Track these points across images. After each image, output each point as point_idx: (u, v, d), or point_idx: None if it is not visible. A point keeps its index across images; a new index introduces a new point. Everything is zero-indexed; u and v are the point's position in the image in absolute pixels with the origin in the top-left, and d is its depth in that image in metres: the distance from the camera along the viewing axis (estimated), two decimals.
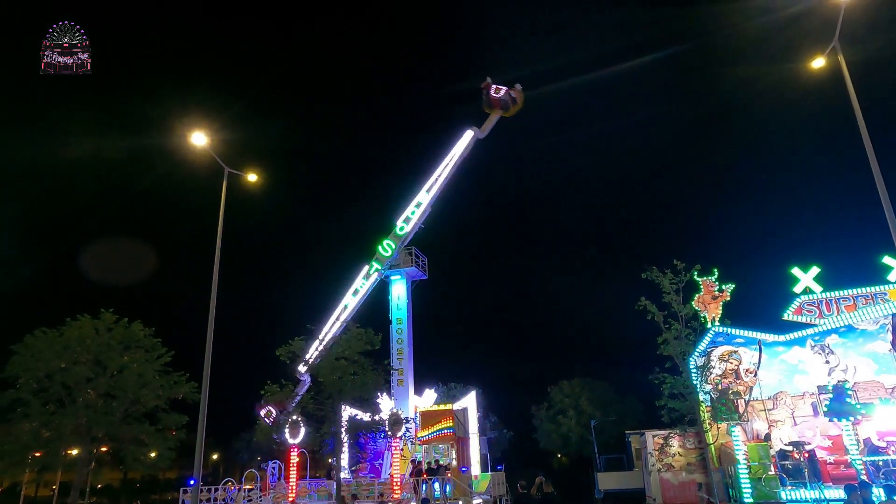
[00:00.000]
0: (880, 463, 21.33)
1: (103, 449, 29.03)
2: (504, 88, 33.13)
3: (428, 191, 33.81)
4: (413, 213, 33.73)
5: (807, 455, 22.34)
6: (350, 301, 32.89)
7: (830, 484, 21.22)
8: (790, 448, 22.80)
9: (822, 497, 20.75)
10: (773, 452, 23.55)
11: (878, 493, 17.00)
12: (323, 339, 27.32)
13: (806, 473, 21.59)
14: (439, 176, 33.90)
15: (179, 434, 27.63)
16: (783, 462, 22.59)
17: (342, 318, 31.73)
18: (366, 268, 33.70)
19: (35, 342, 25.12)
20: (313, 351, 26.80)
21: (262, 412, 26.35)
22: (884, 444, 22.41)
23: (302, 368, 27.00)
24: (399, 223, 33.84)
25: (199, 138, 19.36)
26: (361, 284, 33.33)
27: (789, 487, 21.89)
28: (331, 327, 31.06)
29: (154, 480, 58.78)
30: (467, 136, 33.93)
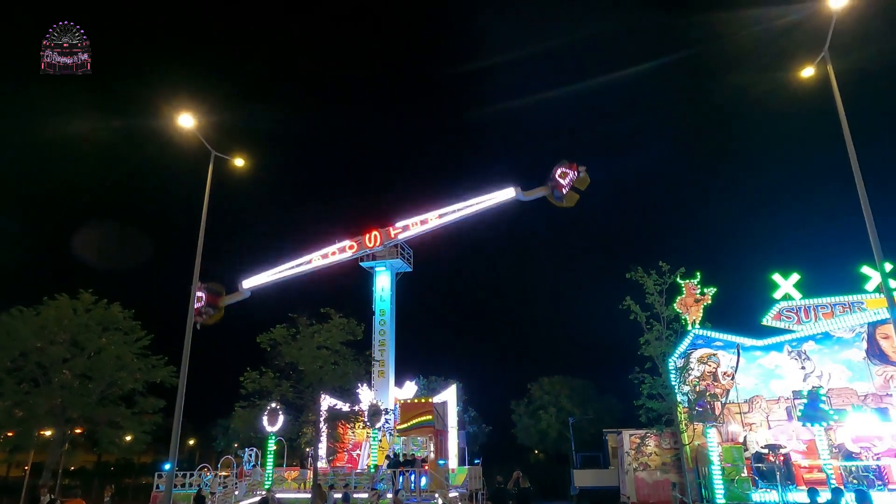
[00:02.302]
0: (853, 468, 21.75)
1: (78, 431, 28.75)
2: (568, 180, 30.43)
3: (441, 217, 32.66)
4: (415, 227, 33.08)
5: (782, 458, 22.70)
6: (317, 262, 33.40)
7: (804, 487, 21.58)
8: (766, 451, 23.15)
9: (785, 500, 21.09)
10: (748, 455, 23.89)
11: (848, 498, 17.34)
12: (277, 273, 28.73)
13: (778, 476, 21.93)
14: (460, 211, 32.43)
15: (156, 418, 27.42)
16: (758, 465, 22.93)
17: (302, 268, 33.13)
18: (346, 242, 33.74)
19: (11, 320, 24.73)
20: (267, 276, 27.18)
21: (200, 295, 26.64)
22: (858, 450, 22.84)
23: (246, 283, 27.77)
24: (398, 226, 33.18)
25: (186, 120, 19.07)
26: (336, 255, 33.67)
27: (761, 489, 22.24)
28: (287, 268, 33.03)
29: (129, 464, 58.22)
30: (508, 193, 31.68)
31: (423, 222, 32.90)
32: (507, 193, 31.67)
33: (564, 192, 30.23)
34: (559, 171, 30.31)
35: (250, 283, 31.31)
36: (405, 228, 33.12)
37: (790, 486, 21.55)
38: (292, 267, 33.32)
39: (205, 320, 28.83)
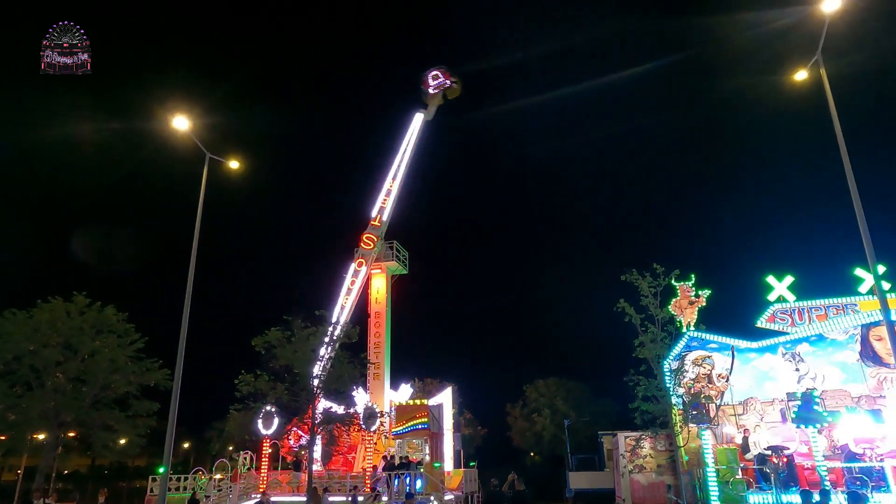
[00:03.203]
0: (856, 470, 21.76)
1: (71, 434, 28.61)
2: (437, 82, 34.40)
3: (394, 178, 34.86)
4: (385, 203, 34.58)
5: (785, 460, 22.72)
6: (345, 301, 32.87)
7: (808, 489, 21.63)
8: (769, 452, 23.19)
9: (781, 502, 21.12)
10: (751, 456, 23.94)
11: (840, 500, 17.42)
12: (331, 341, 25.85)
13: (772, 478, 21.96)
14: (400, 162, 35.18)
15: (150, 421, 27.33)
16: (761, 466, 22.90)
17: (342, 320, 30.46)
18: (353, 265, 33.67)
19: (4, 323, 24.64)
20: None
21: None
22: (861, 451, 22.84)
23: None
24: (373, 213, 34.47)
25: (181, 122, 19.04)
26: (351, 281, 33.37)
27: (757, 492, 22.26)
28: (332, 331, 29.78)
29: (123, 468, 57.97)
30: (417, 119, 35.75)
31: (387, 194, 34.71)
32: (417, 120, 35.69)
33: (430, 92, 34.07)
34: (432, 73, 34.13)
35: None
36: (380, 210, 34.50)
37: (793, 488, 21.54)
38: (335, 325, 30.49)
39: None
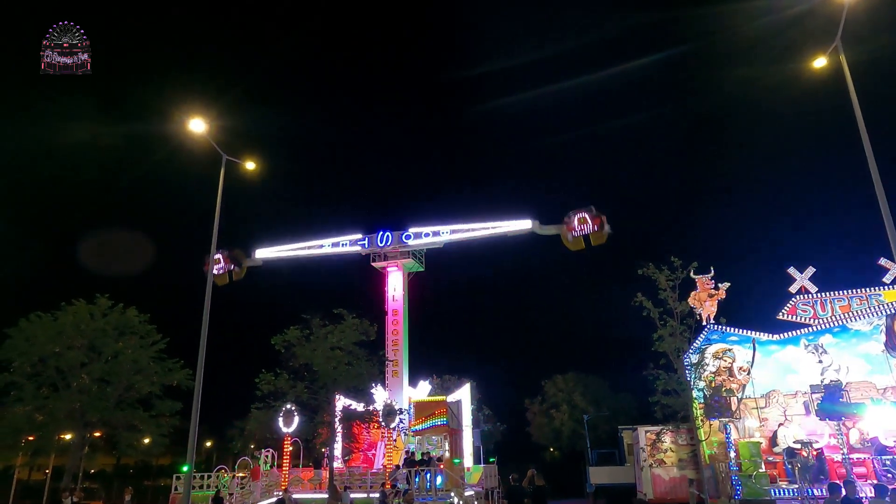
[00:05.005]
0: (887, 462, 21.40)
1: (97, 434, 29.11)
2: (583, 227, 30.33)
3: (453, 233, 33.70)
4: (426, 236, 34.23)
5: (815, 453, 22.43)
6: (328, 249, 34.99)
7: (836, 481, 21.31)
8: (798, 446, 22.91)
9: (812, 494, 20.87)
10: (779, 450, 23.69)
11: (867, 491, 17.16)
12: (291, 251, 31.65)
13: (801, 472, 21.65)
14: (473, 232, 33.41)
15: (173, 421, 27.69)
16: (791, 460, 22.62)
17: (312, 252, 34.89)
18: (358, 236, 35.14)
19: (29, 326, 25.11)
20: (283, 249, 29.42)
21: (218, 257, 27.15)
22: (891, 444, 22.46)
23: (259, 253, 29.17)
24: (410, 232, 34.35)
25: (197, 125, 19.20)
26: (344, 244, 35.04)
27: (785, 481, 22.00)
28: (299, 249, 34.95)
29: (147, 466, 58.92)
30: (523, 225, 32.47)
31: (434, 234, 34.00)
32: (523, 224, 32.50)
33: (573, 235, 30.35)
34: (578, 217, 30.35)
35: (263, 252, 33.88)
36: (416, 236, 34.17)
37: (823, 482, 21.25)
38: (303, 248, 35.12)
39: (231, 277, 30.17)
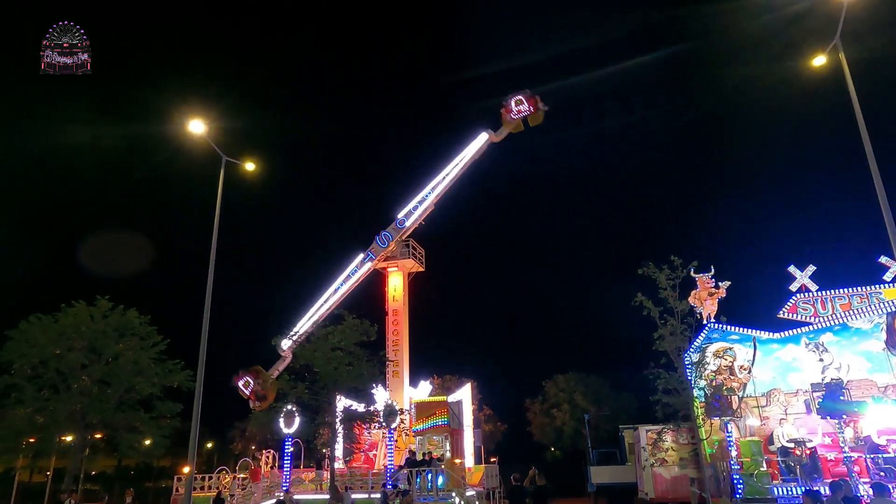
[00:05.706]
0: (880, 461, 21.38)
1: (97, 436, 29.13)
2: (520, 108, 31.92)
3: (433, 189, 33.74)
4: (416, 209, 33.81)
5: (808, 452, 22.41)
6: (342, 287, 33.39)
7: (829, 480, 21.32)
8: (792, 445, 22.88)
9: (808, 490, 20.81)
10: (774, 449, 23.67)
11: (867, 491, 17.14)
12: (311, 317, 27.99)
13: (797, 471, 21.67)
14: (447, 175, 33.65)
15: (174, 422, 27.67)
16: (784, 459, 22.64)
17: (331, 301, 32.41)
18: (360, 256, 33.90)
19: (30, 328, 25.10)
20: (300, 327, 27.21)
21: (241, 382, 26.50)
22: (884, 443, 22.46)
23: (285, 344, 27.75)
24: (400, 216, 33.96)
25: (196, 126, 19.22)
26: (354, 271, 33.73)
27: (781, 480, 22.00)
28: (318, 308, 31.99)
29: (148, 468, 58.96)
30: (481, 139, 33.15)
31: (420, 202, 33.71)
32: (481, 140, 33.14)
33: (511, 118, 31.53)
34: (515, 99, 31.61)
35: (287, 342, 29.15)
36: (408, 215, 33.76)
37: (817, 480, 21.25)
38: (323, 305, 32.65)
39: (261, 406, 27.77)
